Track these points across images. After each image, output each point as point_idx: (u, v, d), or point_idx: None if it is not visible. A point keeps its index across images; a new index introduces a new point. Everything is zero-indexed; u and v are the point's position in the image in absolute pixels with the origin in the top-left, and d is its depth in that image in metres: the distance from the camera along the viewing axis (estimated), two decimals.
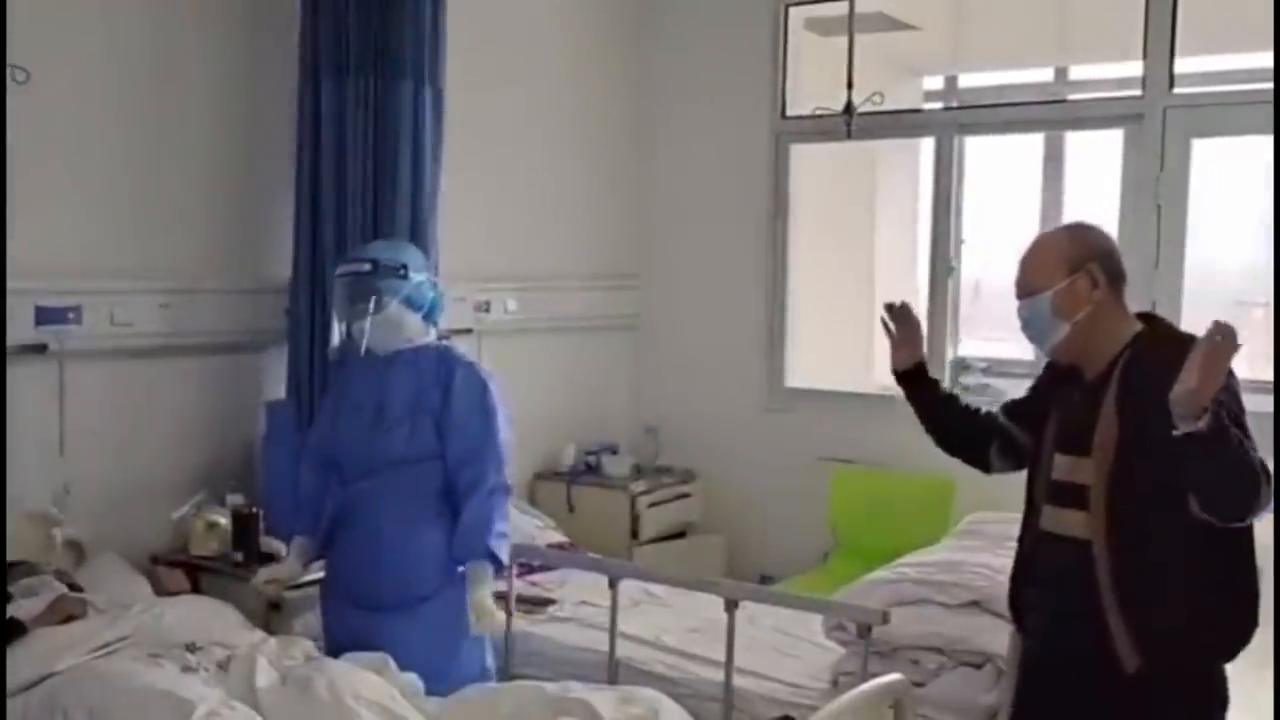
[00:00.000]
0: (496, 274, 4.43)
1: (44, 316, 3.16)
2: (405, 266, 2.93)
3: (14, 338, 3.09)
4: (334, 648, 2.85)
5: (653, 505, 4.56)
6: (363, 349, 2.90)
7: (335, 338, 2.99)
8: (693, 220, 5.01)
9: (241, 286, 3.61)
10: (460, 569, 2.90)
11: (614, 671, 3.08)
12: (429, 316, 3.02)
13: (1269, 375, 3.49)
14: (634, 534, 4.47)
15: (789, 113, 4.81)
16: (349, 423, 2.99)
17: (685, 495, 4.75)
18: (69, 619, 2.65)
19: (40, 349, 3.16)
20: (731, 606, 2.85)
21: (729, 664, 2.87)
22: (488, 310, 4.39)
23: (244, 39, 3.62)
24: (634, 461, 4.71)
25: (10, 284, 3.03)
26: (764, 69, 4.82)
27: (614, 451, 4.71)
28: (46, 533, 2.32)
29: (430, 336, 3.05)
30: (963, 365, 4.66)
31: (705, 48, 4.93)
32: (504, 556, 2.90)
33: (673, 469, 4.81)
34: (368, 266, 2.92)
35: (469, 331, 4.23)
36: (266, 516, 3.39)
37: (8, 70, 2.92)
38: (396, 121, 3.53)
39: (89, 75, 3.27)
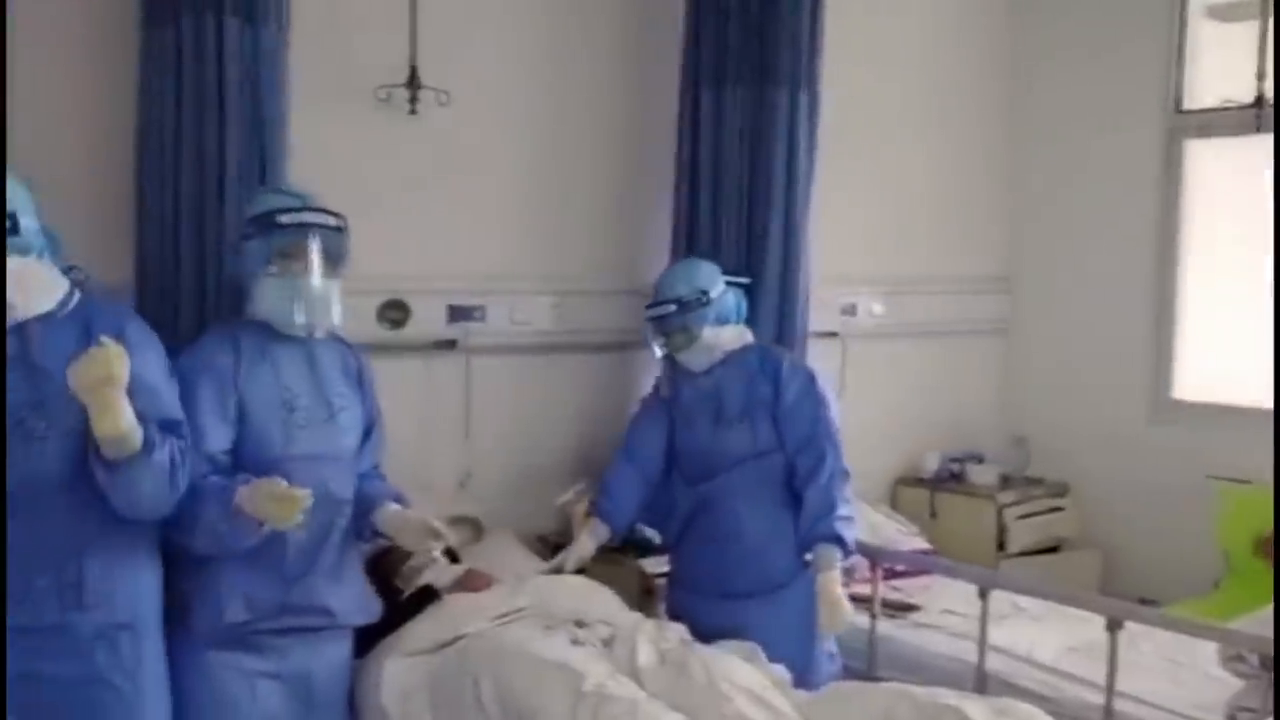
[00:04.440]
0: (863, 277, 4.43)
1: (455, 315, 3.49)
2: (705, 292, 3.05)
3: (430, 334, 3.44)
4: (695, 637, 2.96)
5: (1022, 517, 4.40)
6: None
7: (657, 351, 3.17)
8: (1070, 221, 4.78)
9: (623, 288, 3.81)
10: (808, 555, 2.95)
11: (981, 682, 3.02)
12: (738, 319, 3.16)
13: None
14: (1000, 546, 4.33)
15: (1184, 106, 4.49)
16: (688, 428, 3.15)
17: (1058, 509, 4.54)
18: (477, 589, 2.93)
19: (451, 344, 3.49)
20: (1115, 626, 2.72)
21: (1110, 687, 2.74)
22: (853, 314, 4.40)
23: (629, 55, 3.82)
24: (1001, 471, 4.56)
25: (426, 285, 3.40)
26: (1156, 60, 4.52)
27: (980, 460, 4.58)
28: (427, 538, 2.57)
29: (748, 336, 3.16)
30: None
31: (1087, 41, 4.69)
32: (849, 540, 2.94)
33: (1044, 481, 4.62)
34: (673, 308, 3.06)
35: (833, 335, 4.26)
36: None
37: (423, 94, 3.26)
38: (773, 127, 3.62)
39: (498, 94, 3.56)
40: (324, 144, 3.03)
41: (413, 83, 3.26)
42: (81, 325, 2.15)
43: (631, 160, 3.86)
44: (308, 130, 2.92)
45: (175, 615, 2.36)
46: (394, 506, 2.61)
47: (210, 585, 2.40)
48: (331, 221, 2.50)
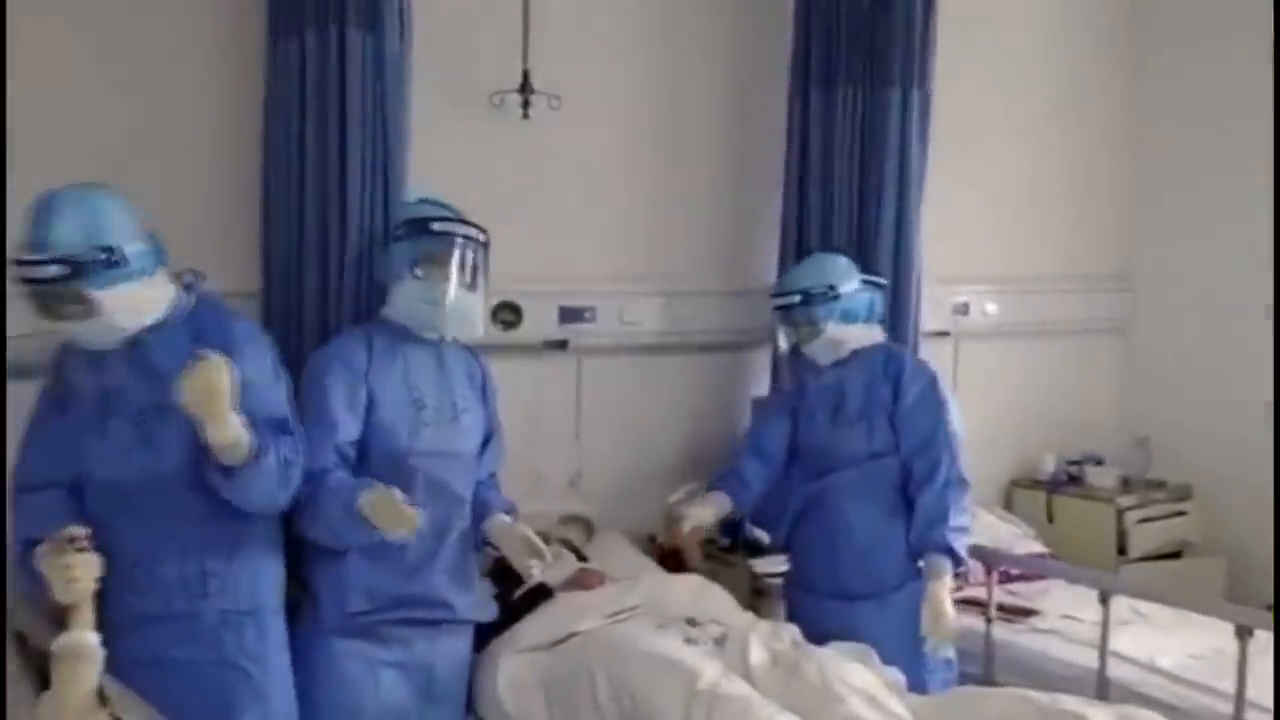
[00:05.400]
0: (975, 276, 4.36)
1: (566, 316, 3.52)
2: (833, 287, 3.02)
3: (541, 334, 3.49)
4: (806, 636, 2.95)
5: (1143, 521, 4.28)
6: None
7: (783, 344, 3.17)
8: (1192, 216, 4.64)
9: (732, 288, 3.81)
10: (919, 563, 2.92)
11: (1103, 689, 2.95)
12: (868, 319, 3.11)
13: None
14: (1120, 550, 4.22)
15: None
16: (808, 422, 3.14)
17: (1181, 513, 4.41)
18: (589, 587, 2.96)
19: (562, 345, 3.54)
20: (1244, 634, 2.63)
21: (1240, 696, 2.65)
22: (965, 313, 4.33)
23: (738, 56, 3.82)
24: (1121, 474, 4.44)
25: (538, 286, 3.44)
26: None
27: (1099, 462, 4.47)
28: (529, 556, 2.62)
29: (878, 336, 3.14)
30: None
31: (1206, 36, 4.54)
32: (962, 551, 2.89)
33: (1167, 484, 4.48)
34: (797, 298, 3.06)
35: (945, 335, 4.21)
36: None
37: (533, 100, 3.31)
38: (884, 127, 3.60)
39: (608, 98, 3.59)
40: (440, 149, 3.10)
41: (525, 88, 3.31)
42: (194, 330, 2.25)
43: (741, 161, 3.86)
44: (424, 136, 2.98)
45: (305, 606, 2.46)
46: (504, 518, 2.67)
47: (336, 576, 2.49)
48: (481, 236, 2.59)
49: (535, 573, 2.68)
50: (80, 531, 2.06)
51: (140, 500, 2.20)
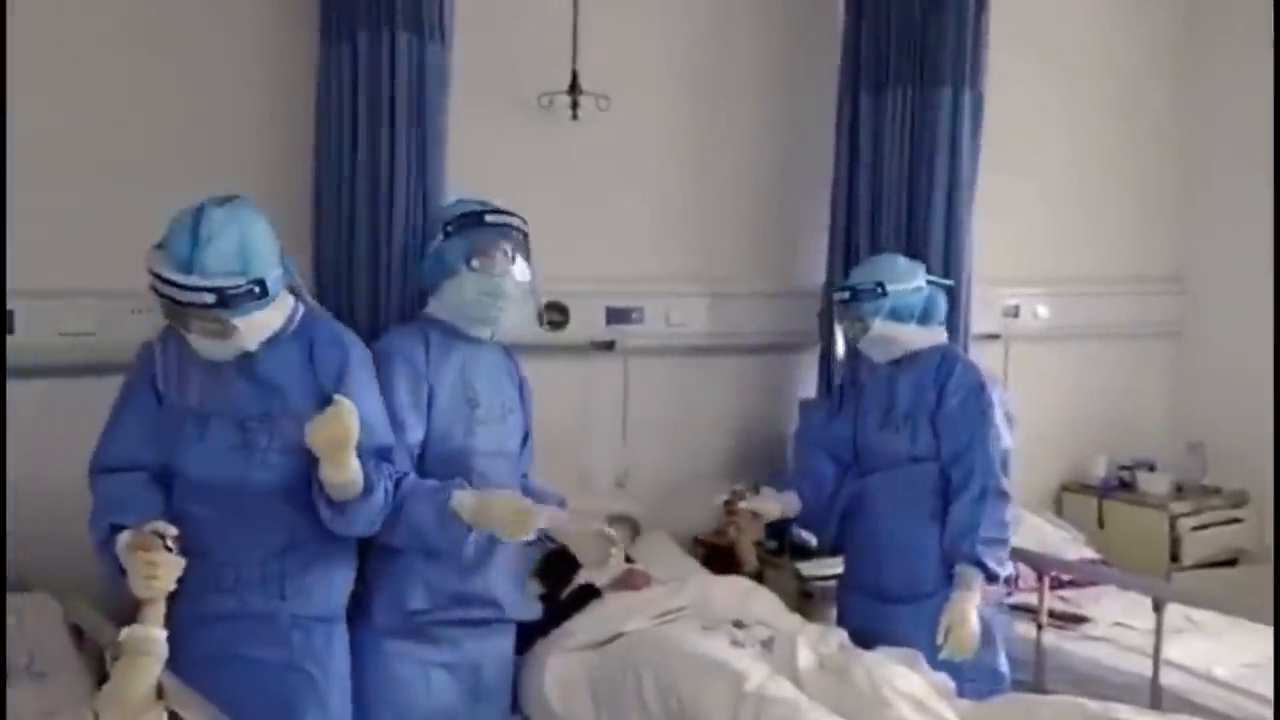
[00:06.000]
0: (1026, 278, 4.31)
1: (613, 317, 3.53)
2: (881, 284, 3.00)
3: (588, 335, 3.49)
4: (853, 636, 2.92)
5: (1197, 528, 4.22)
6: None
7: (840, 347, 3.17)
8: (1245, 217, 4.55)
9: (780, 290, 3.80)
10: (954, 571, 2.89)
11: (1157, 698, 2.90)
12: (925, 320, 3.05)
13: None
14: (1174, 557, 4.16)
15: None
16: (862, 422, 3.13)
17: (1236, 520, 4.34)
18: (636, 587, 2.96)
19: (609, 345, 3.54)
20: None
21: None
22: (1016, 315, 4.29)
23: (786, 56, 3.82)
24: (1174, 479, 4.37)
25: (585, 287, 3.45)
26: None
27: (1151, 468, 4.41)
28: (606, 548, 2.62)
29: (938, 338, 3.10)
30: None
31: (1258, 35, 4.45)
32: (993, 564, 2.85)
33: (1221, 490, 4.41)
34: (847, 294, 3.06)
35: (995, 337, 4.16)
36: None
37: (582, 100, 3.32)
38: (934, 128, 3.57)
39: (656, 99, 3.60)
40: (488, 150, 3.12)
41: (574, 89, 3.32)
42: (305, 343, 2.28)
43: (788, 162, 3.85)
44: (473, 137, 3.00)
45: (358, 608, 2.47)
46: (563, 513, 2.67)
47: (392, 576, 2.50)
48: (525, 226, 2.61)
49: (614, 563, 2.69)
50: (171, 531, 2.07)
51: (233, 503, 2.22)
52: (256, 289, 2.12)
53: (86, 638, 2.43)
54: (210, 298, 2.07)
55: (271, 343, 2.24)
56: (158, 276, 2.08)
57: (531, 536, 2.40)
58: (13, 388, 2.54)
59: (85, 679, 2.35)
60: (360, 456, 2.19)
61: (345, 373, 2.26)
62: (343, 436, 2.13)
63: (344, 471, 2.17)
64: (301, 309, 2.31)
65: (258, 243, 2.14)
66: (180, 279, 2.07)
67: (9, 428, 2.45)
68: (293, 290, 2.30)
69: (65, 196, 2.71)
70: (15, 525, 2.53)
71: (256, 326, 2.18)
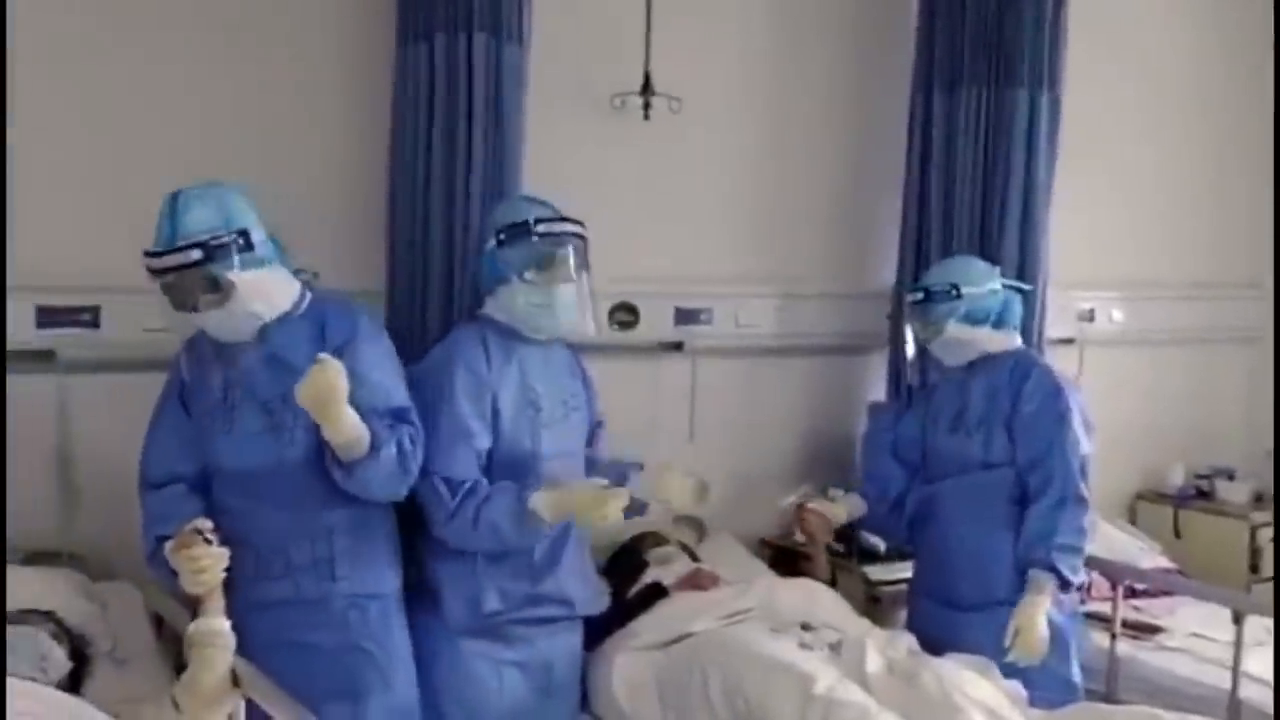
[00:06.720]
0: (1102, 281, 4.24)
1: (682, 317, 3.53)
2: (955, 286, 2.96)
3: (657, 335, 3.50)
4: (922, 642, 2.90)
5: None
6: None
7: (910, 350, 3.14)
8: None
9: (849, 291, 3.78)
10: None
11: (1235, 711, 2.85)
12: (1000, 324, 3.01)
13: None
14: (1253, 568, 4.07)
15: None
16: (932, 426, 3.10)
17: None
18: (703, 588, 2.96)
19: (678, 346, 3.54)
20: None
21: None
22: (1091, 319, 4.22)
23: (858, 57, 3.79)
24: (1254, 488, 4.27)
25: (655, 288, 3.45)
26: None
27: (1230, 476, 4.31)
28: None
29: (1012, 342, 3.05)
30: None
31: None
32: (1067, 571, 2.80)
33: None
34: (920, 295, 3.02)
35: (1070, 342, 4.10)
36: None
37: (653, 101, 3.33)
38: (1010, 130, 3.53)
39: (728, 100, 3.59)
40: (561, 151, 3.13)
41: (646, 90, 3.33)
42: (316, 322, 2.32)
43: (860, 164, 3.82)
44: (546, 138, 3.03)
45: (426, 604, 2.50)
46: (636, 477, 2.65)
47: (463, 577, 2.52)
48: (581, 230, 2.58)
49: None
50: (206, 524, 2.13)
51: (270, 488, 2.27)
52: (240, 239, 2.15)
53: (166, 626, 2.49)
54: (196, 254, 2.11)
55: (283, 322, 2.28)
56: (147, 257, 2.14)
57: (619, 515, 2.38)
58: (100, 381, 2.65)
59: (165, 667, 2.41)
60: (365, 417, 2.21)
61: (352, 338, 2.27)
62: (328, 393, 2.11)
63: (341, 430, 2.17)
64: (309, 295, 2.35)
65: (234, 203, 2.20)
66: (164, 249, 2.12)
67: (96, 420, 2.53)
68: (304, 282, 2.35)
69: (148, 198, 2.77)
70: (102, 514, 2.63)
71: (256, 287, 2.20)
